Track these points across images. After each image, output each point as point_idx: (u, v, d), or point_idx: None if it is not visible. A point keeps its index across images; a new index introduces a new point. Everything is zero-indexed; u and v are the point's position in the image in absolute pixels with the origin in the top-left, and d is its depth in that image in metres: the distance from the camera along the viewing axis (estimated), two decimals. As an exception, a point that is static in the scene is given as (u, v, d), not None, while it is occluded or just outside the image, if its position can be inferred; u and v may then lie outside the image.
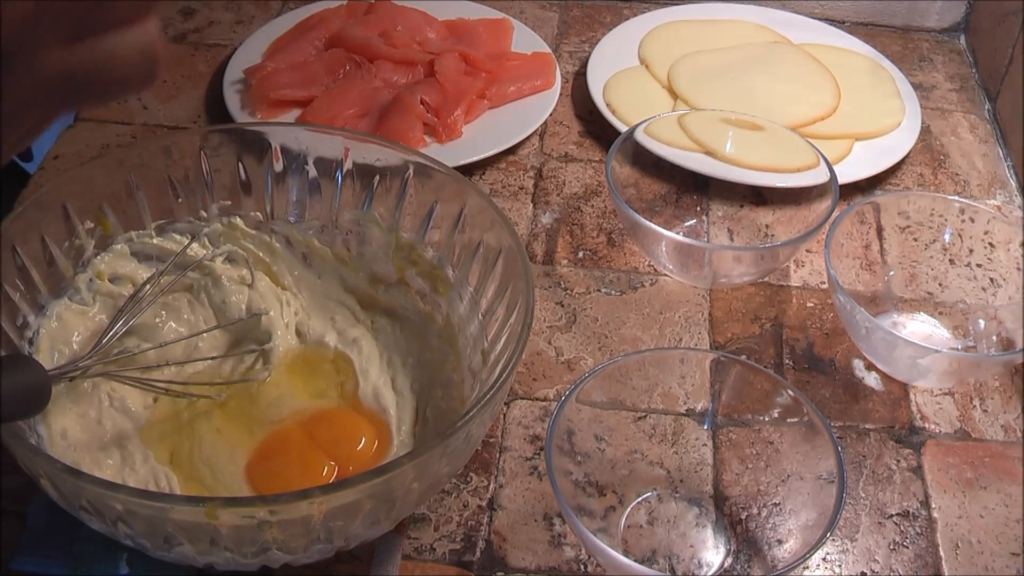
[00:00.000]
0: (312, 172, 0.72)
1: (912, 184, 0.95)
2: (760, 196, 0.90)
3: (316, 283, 0.74)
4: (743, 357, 0.73)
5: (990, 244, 0.80)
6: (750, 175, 0.90)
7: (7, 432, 0.53)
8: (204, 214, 0.72)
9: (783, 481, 0.66)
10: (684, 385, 0.70)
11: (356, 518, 0.55)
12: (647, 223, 0.78)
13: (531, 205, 0.90)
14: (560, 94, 0.99)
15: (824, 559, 0.66)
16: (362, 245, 0.73)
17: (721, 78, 1.00)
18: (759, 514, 0.66)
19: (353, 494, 0.53)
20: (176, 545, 0.54)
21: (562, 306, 0.81)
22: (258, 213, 0.73)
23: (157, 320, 0.70)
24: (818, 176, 0.83)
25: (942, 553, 0.67)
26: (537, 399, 0.74)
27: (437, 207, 0.70)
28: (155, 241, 0.71)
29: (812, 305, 0.82)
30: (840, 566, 0.66)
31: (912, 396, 0.76)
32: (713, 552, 0.66)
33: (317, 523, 0.53)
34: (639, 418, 0.70)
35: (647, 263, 0.85)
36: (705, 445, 0.70)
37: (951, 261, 0.81)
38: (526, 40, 1.05)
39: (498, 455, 0.71)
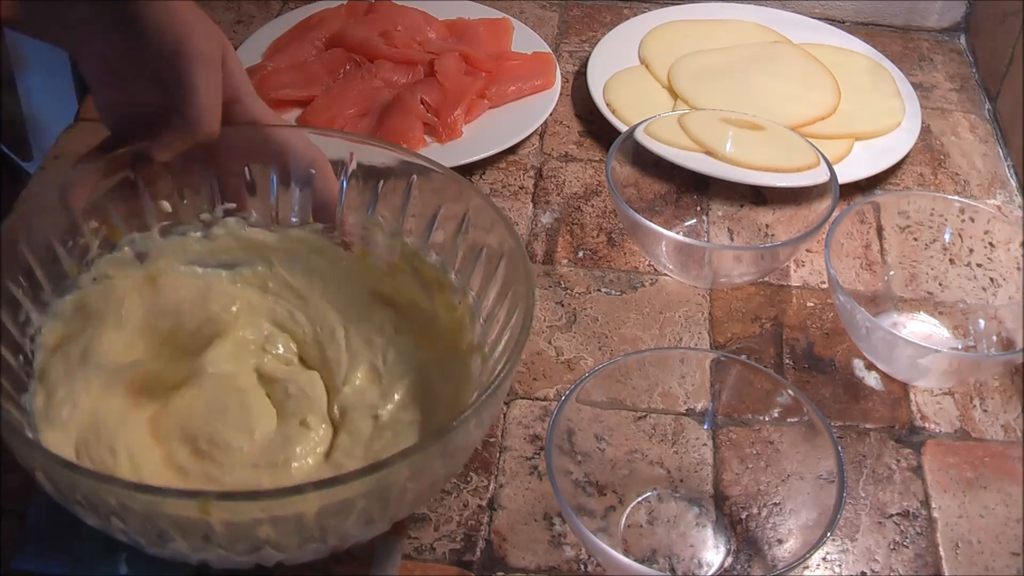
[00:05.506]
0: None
1: (912, 184, 0.95)
2: (760, 196, 0.90)
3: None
4: (743, 357, 0.73)
5: (990, 244, 0.80)
6: (750, 175, 0.90)
7: (4, 426, 0.53)
8: (209, 216, 0.72)
9: (783, 481, 0.66)
10: (684, 385, 0.70)
11: (349, 517, 0.55)
12: (647, 223, 0.78)
13: (531, 205, 0.90)
14: (560, 94, 0.99)
15: (824, 559, 0.66)
16: (367, 248, 0.72)
17: (721, 78, 1.00)
18: (759, 514, 0.66)
19: (346, 491, 0.52)
20: (170, 541, 0.53)
21: (562, 306, 0.81)
22: (262, 216, 0.73)
23: None
24: (818, 176, 0.83)
25: (942, 553, 0.67)
26: (537, 399, 0.74)
27: (441, 210, 0.70)
28: (159, 242, 0.71)
29: (812, 305, 0.82)
30: (840, 566, 0.66)
31: (912, 396, 0.76)
32: (713, 552, 0.66)
33: (310, 520, 0.53)
34: (639, 418, 0.70)
35: (647, 263, 0.85)
36: (705, 445, 0.70)
37: (951, 261, 0.81)
38: (526, 40, 1.05)
39: (498, 455, 0.71)
